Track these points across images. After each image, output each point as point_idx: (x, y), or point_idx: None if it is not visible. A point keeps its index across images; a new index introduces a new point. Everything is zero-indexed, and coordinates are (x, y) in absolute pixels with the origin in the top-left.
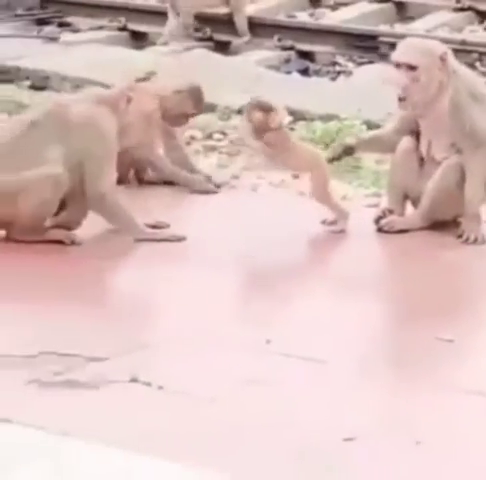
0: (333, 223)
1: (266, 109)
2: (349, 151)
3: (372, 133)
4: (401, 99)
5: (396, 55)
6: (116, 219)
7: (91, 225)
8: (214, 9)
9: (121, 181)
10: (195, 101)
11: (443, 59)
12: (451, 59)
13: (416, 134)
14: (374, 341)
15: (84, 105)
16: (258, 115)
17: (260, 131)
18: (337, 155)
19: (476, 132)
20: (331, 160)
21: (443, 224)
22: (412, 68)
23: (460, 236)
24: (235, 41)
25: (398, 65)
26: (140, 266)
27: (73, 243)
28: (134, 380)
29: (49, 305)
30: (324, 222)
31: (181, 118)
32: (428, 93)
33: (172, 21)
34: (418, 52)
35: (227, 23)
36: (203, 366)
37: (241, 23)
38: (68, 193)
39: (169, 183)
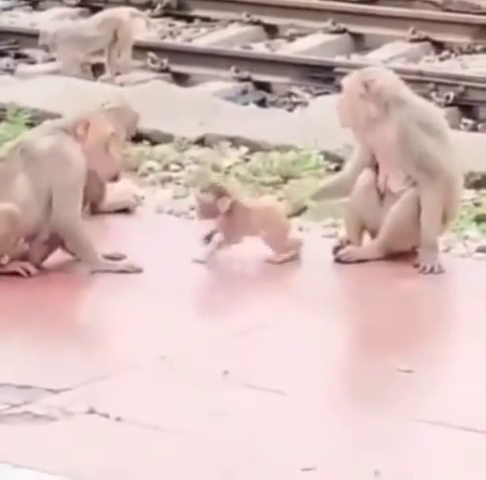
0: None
1: (216, 192)
2: (305, 209)
3: (331, 180)
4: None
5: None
6: (78, 246)
7: (51, 256)
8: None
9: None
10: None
11: (366, 86)
12: (393, 90)
13: (375, 168)
14: (333, 371)
15: (48, 137)
16: (208, 198)
17: (209, 213)
18: (296, 213)
19: (428, 164)
20: (290, 216)
21: (400, 254)
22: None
23: (417, 266)
24: (118, 78)
25: None
26: (98, 296)
27: (28, 274)
28: (91, 411)
29: (5, 336)
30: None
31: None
32: (354, 116)
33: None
34: (348, 77)
35: (184, 54)
36: (162, 397)
37: (126, 59)
38: (36, 226)
39: (123, 211)
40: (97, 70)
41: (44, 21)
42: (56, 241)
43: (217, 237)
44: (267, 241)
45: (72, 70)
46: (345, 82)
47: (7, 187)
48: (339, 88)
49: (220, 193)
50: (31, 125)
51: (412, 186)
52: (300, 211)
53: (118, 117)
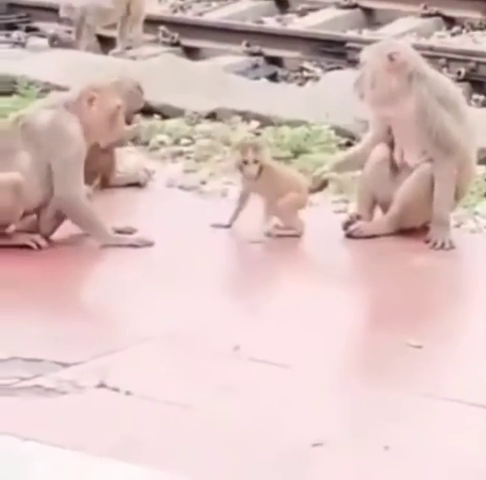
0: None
1: (256, 147)
2: (327, 184)
3: (347, 153)
4: (355, 86)
5: None
6: (84, 223)
7: (61, 229)
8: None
9: (88, 184)
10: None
11: (391, 59)
12: (415, 64)
13: (390, 143)
14: (344, 346)
15: (48, 111)
16: (249, 154)
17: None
18: (318, 187)
19: (445, 139)
20: (312, 191)
21: (411, 230)
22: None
23: (428, 241)
24: (129, 52)
25: None
26: (108, 271)
27: (39, 247)
28: (102, 385)
29: (16, 310)
30: (277, 227)
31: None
32: (379, 91)
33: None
34: (369, 49)
35: (195, 28)
36: (171, 372)
37: (138, 33)
38: (40, 200)
39: (134, 185)
40: (108, 43)
41: None
42: (64, 215)
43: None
44: (280, 210)
45: (89, 43)
46: (366, 55)
47: (8, 161)
48: (351, 63)
49: (258, 147)
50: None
51: (427, 161)
52: (322, 186)
53: (118, 90)
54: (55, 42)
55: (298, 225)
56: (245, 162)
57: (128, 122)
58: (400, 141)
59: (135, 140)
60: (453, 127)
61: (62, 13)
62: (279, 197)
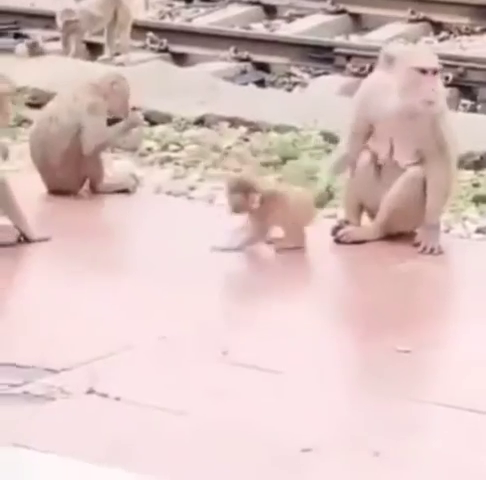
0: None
1: (245, 190)
2: (333, 196)
3: (337, 156)
4: (431, 102)
5: (432, 62)
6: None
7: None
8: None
9: (74, 191)
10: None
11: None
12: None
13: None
14: (332, 351)
15: None
16: (238, 197)
17: (242, 210)
18: (324, 201)
19: (440, 138)
20: (319, 205)
21: (399, 234)
22: (436, 72)
23: (417, 245)
24: (117, 59)
25: (423, 71)
26: (98, 277)
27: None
28: (91, 391)
29: (5, 316)
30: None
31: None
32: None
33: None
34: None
35: (183, 34)
36: (160, 377)
37: (125, 39)
38: None
39: (123, 191)
40: (96, 50)
41: (44, 1)
42: None
43: (245, 232)
44: (288, 228)
45: (77, 50)
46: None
47: None
48: (338, 68)
49: (249, 189)
50: (32, 105)
51: (418, 163)
52: (328, 199)
53: (99, 88)
54: (36, 49)
55: (302, 239)
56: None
57: (125, 114)
58: (390, 139)
59: (135, 149)
60: (452, 129)
61: (61, 18)
62: (287, 217)
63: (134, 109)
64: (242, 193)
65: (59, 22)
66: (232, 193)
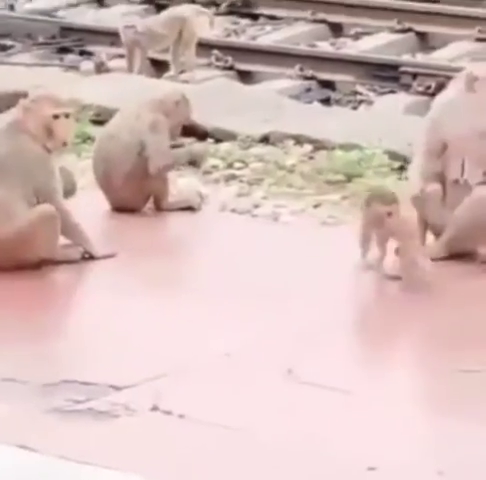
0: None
1: (387, 201)
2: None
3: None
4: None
5: None
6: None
7: None
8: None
9: (138, 208)
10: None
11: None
12: None
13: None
14: (398, 371)
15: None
16: (379, 208)
17: (380, 223)
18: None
19: None
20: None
21: (464, 253)
22: None
23: (485, 262)
24: (182, 76)
25: None
26: (162, 294)
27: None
28: (155, 409)
29: (69, 334)
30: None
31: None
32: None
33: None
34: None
35: (248, 52)
36: (224, 395)
37: (190, 57)
38: None
39: (187, 209)
40: (161, 67)
41: (109, 18)
42: None
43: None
44: (404, 252)
45: (142, 67)
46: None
47: None
48: (404, 86)
49: (391, 201)
50: (96, 122)
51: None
52: None
53: (162, 105)
54: (102, 68)
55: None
56: (389, 214)
57: (173, 135)
58: (462, 158)
59: (198, 164)
60: None
61: (124, 34)
62: (410, 240)
63: (200, 129)
64: (383, 205)
65: (123, 39)
66: (374, 205)
